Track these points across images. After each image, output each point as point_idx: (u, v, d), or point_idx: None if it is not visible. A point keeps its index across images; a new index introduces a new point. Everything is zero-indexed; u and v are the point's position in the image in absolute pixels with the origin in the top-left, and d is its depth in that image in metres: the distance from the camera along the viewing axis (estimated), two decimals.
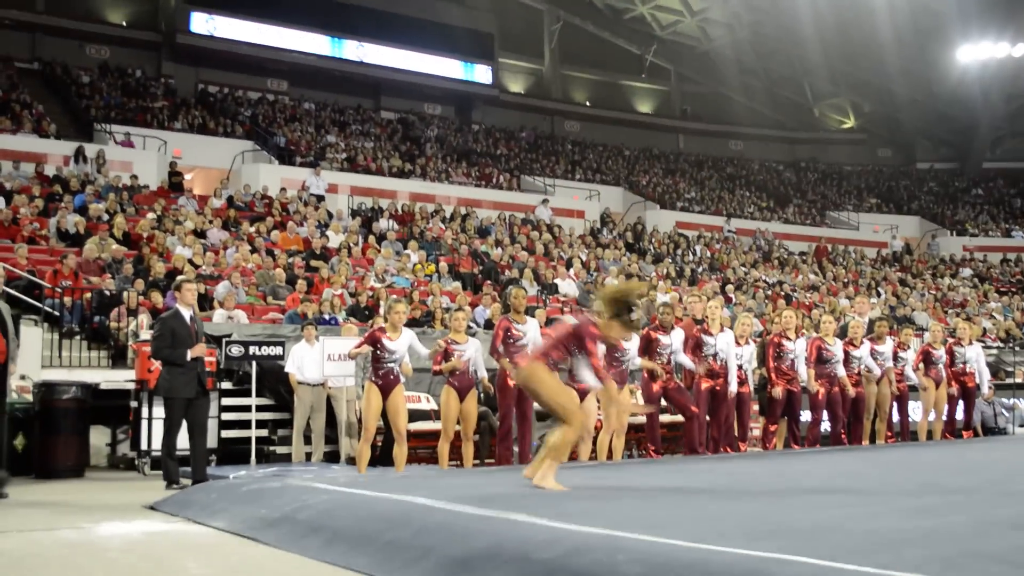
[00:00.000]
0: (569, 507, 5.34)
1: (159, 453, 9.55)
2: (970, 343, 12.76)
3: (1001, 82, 37.54)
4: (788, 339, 10.91)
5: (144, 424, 11.02)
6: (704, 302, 10.84)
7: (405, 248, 19.68)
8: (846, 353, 11.21)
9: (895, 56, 36.77)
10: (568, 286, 19.15)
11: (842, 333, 11.58)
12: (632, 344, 9.84)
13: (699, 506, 5.58)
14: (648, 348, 10.15)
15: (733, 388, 10.47)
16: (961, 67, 37.18)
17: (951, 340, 12.85)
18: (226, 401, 11.79)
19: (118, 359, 13.05)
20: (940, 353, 12.31)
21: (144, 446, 11.03)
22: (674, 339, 10.22)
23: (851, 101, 43.46)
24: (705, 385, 10.34)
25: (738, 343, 10.55)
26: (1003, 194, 40.94)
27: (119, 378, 12.17)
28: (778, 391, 10.78)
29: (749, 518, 4.98)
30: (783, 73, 41.75)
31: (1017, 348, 21.49)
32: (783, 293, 22.92)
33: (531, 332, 9.54)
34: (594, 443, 10.18)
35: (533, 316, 10.20)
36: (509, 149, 34.21)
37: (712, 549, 3.91)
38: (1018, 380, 17.97)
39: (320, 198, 23.00)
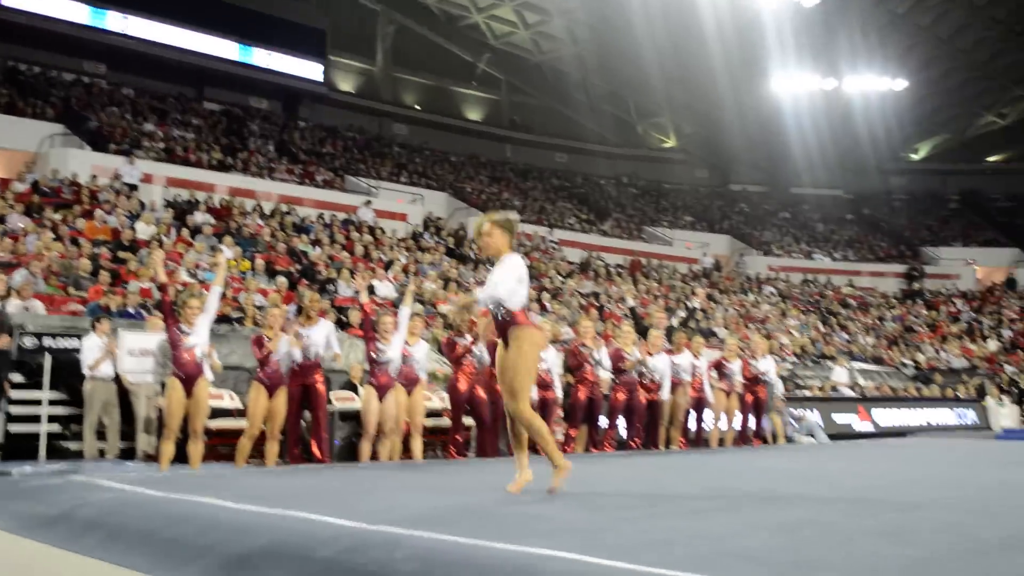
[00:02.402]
0: (355, 505, 5.37)
1: None
2: (763, 356, 13.51)
3: (812, 113, 39.78)
4: (586, 347, 11.27)
5: None
6: None
7: (220, 243, 19.19)
8: (642, 362, 11.67)
9: (717, 82, 38.46)
10: (385, 288, 19.10)
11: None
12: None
13: (480, 504, 5.71)
14: (458, 354, 10.32)
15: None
16: (776, 97, 39.37)
17: (745, 353, 13.55)
18: (16, 394, 11.23)
19: None
20: (733, 366, 12.96)
21: None
22: (481, 347, 10.43)
23: (673, 122, 45.12)
24: None
25: None
26: (807, 218, 43.47)
27: None
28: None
29: (528, 517, 5.14)
30: (610, 90, 42.98)
31: (809, 363, 22.81)
32: (598, 304, 23.59)
33: (316, 335, 9.62)
34: (405, 442, 10.27)
35: (324, 319, 10.22)
36: (335, 148, 33.86)
37: (485, 545, 4.03)
38: (808, 393, 19.11)
39: (133, 187, 22.13)
